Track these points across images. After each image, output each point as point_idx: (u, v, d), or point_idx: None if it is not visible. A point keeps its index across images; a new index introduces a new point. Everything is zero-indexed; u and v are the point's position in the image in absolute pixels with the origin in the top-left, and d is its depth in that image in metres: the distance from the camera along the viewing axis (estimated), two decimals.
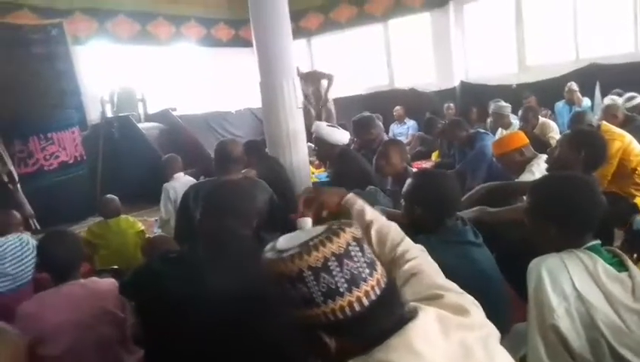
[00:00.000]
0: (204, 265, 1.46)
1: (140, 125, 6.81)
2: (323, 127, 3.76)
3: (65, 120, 6.15)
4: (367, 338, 0.84)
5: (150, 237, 2.82)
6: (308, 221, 1.29)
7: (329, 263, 0.83)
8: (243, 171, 3.76)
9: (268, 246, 0.93)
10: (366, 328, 0.85)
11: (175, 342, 1.41)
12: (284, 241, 0.91)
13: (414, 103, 7.84)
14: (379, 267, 0.89)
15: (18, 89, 5.78)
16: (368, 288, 0.85)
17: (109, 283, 2.09)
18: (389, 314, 0.87)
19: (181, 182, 4.09)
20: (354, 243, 0.87)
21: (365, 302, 0.84)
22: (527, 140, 3.00)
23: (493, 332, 0.97)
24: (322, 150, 3.81)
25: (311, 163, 4.73)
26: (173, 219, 3.50)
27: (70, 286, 1.96)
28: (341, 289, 0.83)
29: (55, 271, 2.02)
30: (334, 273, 0.83)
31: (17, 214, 2.94)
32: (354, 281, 0.84)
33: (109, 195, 3.83)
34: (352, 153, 3.86)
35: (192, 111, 8.02)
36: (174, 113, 7.44)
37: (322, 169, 5.06)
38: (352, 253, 0.86)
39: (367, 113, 5.49)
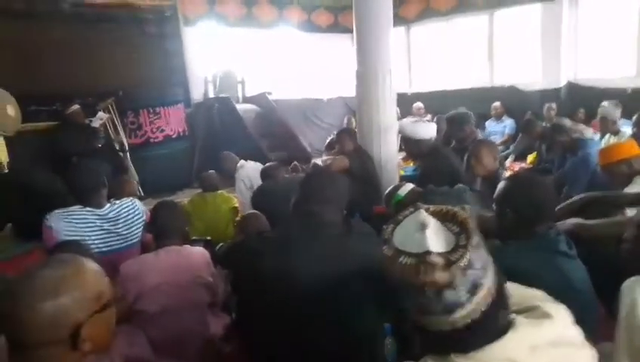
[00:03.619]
0: (298, 246, 1.57)
1: (238, 106, 7.14)
2: (407, 125, 3.75)
3: (172, 96, 6.64)
4: (470, 344, 0.85)
5: (245, 214, 2.99)
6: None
7: (455, 280, 0.83)
8: (336, 158, 3.88)
9: (383, 238, 0.93)
10: (474, 335, 0.85)
11: (264, 313, 1.54)
12: (401, 239, 0.90)
13: (514, 102, 7.48)
14: (491, 267, 0.89)
15: (132, 66, 6.35)
16: (485, 293, 0.85)
17: (201, 252, 2.26)
18: (496, 321, 0.87)
19: (250, 167, 4.36)
20: (476, 248, 0.86)
21: (482, 307, 0.84)
22: (638, 150, 2.80)
23: (589, 353, 0.95)
24: (409, 147, 3.80)
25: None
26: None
27: (168, 252, 2.15)
28: (462, 300, 0.83)
29: (161, 235, 2.24)
30: (458, 288, 0.83)
31: (135, 183, 3.22)
32: (474, 290, 0.84)
33: (210, 171, 4.12)
34: (442, 150, 3.81)
35: (286, 96, 8.25)
36: (270, 97, 7.71)
37: (410, 162, 5.06)
38: (475, 262, 0.85)
39: (462, 109, 5.36)
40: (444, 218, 0.92)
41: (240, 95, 7.80)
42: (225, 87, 7.57)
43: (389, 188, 2.78)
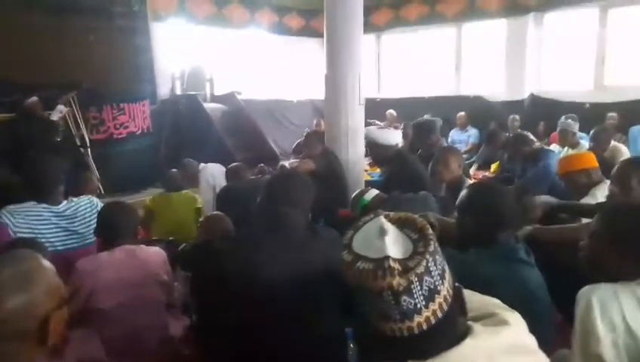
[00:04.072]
0: (262, 247, 1.55)
1: (206, 105, 7.07)
2: (373, 130, 3.79)
3: (138, 92, 6.51)
4: (428, 351, 0.85)
5: (208, 215, 2.95)
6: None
7: (412, 286, 0.83)
8: (303, 160, 3.88)
9: (343, 243, 0.94)
10: (432, 341, 0.85)
11: (225, 315, 1.51)
12: (360, 244, 0.91)
13: (479, 112, 7.67)
14: (447, 273, 0.89)
15: (97, 59, 6.16)
16: (441, 300, 0.85)
17: (157, 251, 2.24)
18: (454, 327, 0.88)
19: (213, 167, 4.39)
20: (432, 255, 0.86)
21: (439, 314, 0.85)
22: (596, 163, 2.90)
23: (543, 360, 0.97)
24: (375, 153, 3.84)
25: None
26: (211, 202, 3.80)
27: (123, 250, 2.12)
28: (419, 306, 0.84)
29: (111, 239, 2.18)
30: (415, 294, 0.83)
31: (95, 180, 3.14)
32: (431, 297, 0.84)
33: (174, 170, 4.05)
34: (408, 156, 3.86)
35: (255, 97, 8.22)
36: (239, 97, 7.66)
37: (376, 168, 5.10)
38: (431, 268, 0.85)
39: (428, 117, 5.45)
40: (403, 224, 0.93)
41: (208, 93, 7.71)
42: (193, 85, 7.47)
43: (355, 193, 2.80)
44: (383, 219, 0.93)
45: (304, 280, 1.50)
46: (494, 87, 8.01)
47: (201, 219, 3.25)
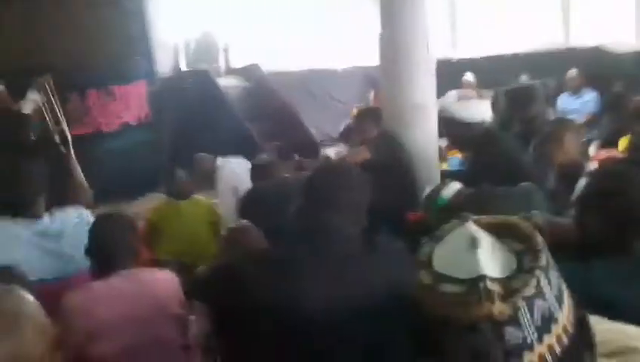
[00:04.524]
0: (302, 269, 1.57)
1: (220, 82, 7.18)
2: (451, 103, 3.74)
3: (130, 71, 6.70)
4: None
5: (231, 228, 3.00)
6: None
7: (519, 314, 0.83)
8: (355, 149, 3.89)
9: (417, 259, 0.94)
10: None
11: (259, 358, 1.54)
12: (443, 261, 0.91)
13: (598, 69, 7.44)
14: (565, 295, 0.89)
15: (77, 31, 6.35)
16: (560, 330, 0.85)
17: (167, 277, 2.29)
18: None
19: (234, 165, 4.51)
20: (545, 271, 0.86)
21: (557, 349, 0.84)
22: None
23: None
24: (454, 133, 3.79)
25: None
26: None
27: (122, 278, 2.16)
28: (530, 340, 0.83)
29: (102, 260, 2.25)
30: (524, 324, 0.83)
31: (85, 187, 3.24)
32: (546, 327, 0.84)
33: (180, 170, 4.14)
34: (500, 135, 3.79)
35: (286, 68, 8.32)
36: (264, 69, 7.76)
37: (455, 152, 5.04)
38: (544, 289, 0.85)
39: (525, 80, 5.35)
40: (501, 231, 0.93)
41: (223, 67, 7.83)
42: (202, 57, 7.62)
43: (428, 190, 2.79)
44: (472, 224, 0.93)
45: (360, 312, 1.50)
46: (619, 34, 7.75)
47: (221, 233, 3.31)
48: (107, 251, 2.23)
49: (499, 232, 0.92)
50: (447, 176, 4.01)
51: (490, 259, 0.87)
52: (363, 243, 1.67)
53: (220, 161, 4.55)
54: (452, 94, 5.75)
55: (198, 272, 2.98)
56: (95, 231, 2.31)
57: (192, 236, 3.79)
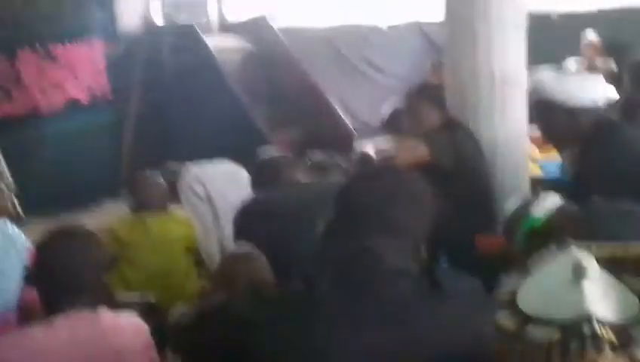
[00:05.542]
0: (332, 316, 1.58)
1: (210, 42, 7.25)
2: (549, 79, 3.71)
3: (79, 25, 6.71)
4: None
5: (229, 255, 3.03)
6: None
7: None
8: (407, 143, 3.89)
9: (497, 298, 0.98)
10: None
11: None
12: (535, 298, 0.94)
13: None
14: None
15: None
16: None
17: (133, 324, 2.33)
18: None
19: (200, 169, 4.54)
20: None
21: None
22: None
23: None
24: (554, 123, 3.76)
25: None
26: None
27: (70, 322, 2.19)
28: None
29: (56, 292, 2.28)
30: None
31: (6, 192, 3.29)
32: None
33: (149, 171, 4.17)
34: (622, 128, 3.77)
35: (305, 23, 8.43)
36: (274, 24, 7.84)
37: (552, 151, 5.03)
38: None
39: None
40: (619, 266, 0.96)
41: (215, 21, 7.90)
42: (185, 7, 7.66)
43: (512, 205, 2.79)
44: (578, 252, 0.96)
45: None
46: None
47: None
48: (62, 282, 2.26)
49: (617, 266, 0.95)
50: (540, 185, 4.01)
51: (602, 297, 0.89)
52: (422, 280, 1.66)
53: (185, 166, 4.58)
54: (570, 62, 5.74)
55: (174, 316, 3.00)
56: (47, 251, 2.33)
57: (164, 264, 3.83)
